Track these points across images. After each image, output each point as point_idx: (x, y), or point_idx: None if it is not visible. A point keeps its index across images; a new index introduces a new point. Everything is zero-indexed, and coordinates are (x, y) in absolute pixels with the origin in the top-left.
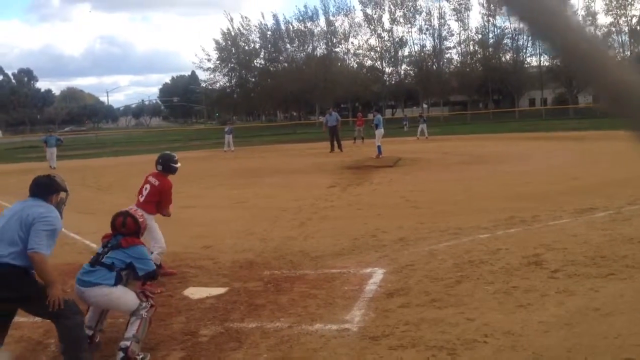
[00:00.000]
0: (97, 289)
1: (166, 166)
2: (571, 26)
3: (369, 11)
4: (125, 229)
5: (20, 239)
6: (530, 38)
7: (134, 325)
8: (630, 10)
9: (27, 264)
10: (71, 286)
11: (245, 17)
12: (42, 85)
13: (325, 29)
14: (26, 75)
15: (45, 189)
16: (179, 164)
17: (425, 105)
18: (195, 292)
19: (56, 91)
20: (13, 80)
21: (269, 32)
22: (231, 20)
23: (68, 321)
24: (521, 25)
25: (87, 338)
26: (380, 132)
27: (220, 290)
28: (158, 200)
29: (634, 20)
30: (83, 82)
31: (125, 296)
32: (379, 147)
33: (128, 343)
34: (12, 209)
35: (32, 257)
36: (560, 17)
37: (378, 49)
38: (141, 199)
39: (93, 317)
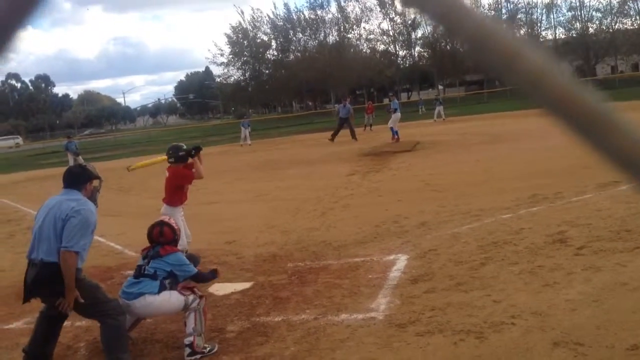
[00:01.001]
0: (142, 300)
1: (177, 156)
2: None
3: None
4: (163, 238)
5: (56, 237)
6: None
7: (190, 320)
8: None
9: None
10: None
11: (257, 9)
12: (59, 90)
13: (336, 15)
14: (43, 81)
15: (78, 178)
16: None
17: (440, 87)
18: (220, 289)
19: (73, 95)
20: (31, 87)
21: (281, 22)
22: (242, 13)
23: (113, 321)
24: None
25: (129, 339)
26: (397, 116)
27: (245, 285)
28: (177, 188)
29: None
30: (99, 85)
31: (170, 299)
32: (393, 129)
33: (191, 338)
34: (47, 205)
35: (62, 254)
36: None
37: (391, 32)
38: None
39: (128, 321)
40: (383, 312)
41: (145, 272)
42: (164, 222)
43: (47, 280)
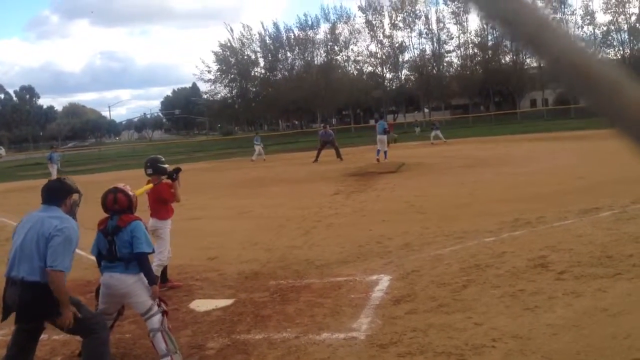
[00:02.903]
0: (124, 276)
1: (155, 167)
2: (560, 36)
3: (369, 17)
4: (118, 206)
5: (39, 256)
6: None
7: (159, 342)
8: (629, 8)
9: (46, 280)
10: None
11: (247, 26)
12: (43, 102)
13: (325, 36)
14: (28, 93)
15: (57, 193)
16: (167, 165)
17: (426, 110)
18: (201, 305)
19: (58, 107)
20: (15, 98)
21: (270, 41)
22: (231, 31)
23: (96, 337)
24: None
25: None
26: (381, 137)
27: (227, 302)
28: (161, 202)
29: (633, 17)
30: (84, 98)
31: (142, 289)
32: (378, 151)
33: (169, 358)
34: (27, 221)
35: (49, 274)
36: (549, 28)
37: (379, 55)
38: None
39: None
40: (365, 332)
41: (120, 256)
42: (118, 189)
43: (32, 303)
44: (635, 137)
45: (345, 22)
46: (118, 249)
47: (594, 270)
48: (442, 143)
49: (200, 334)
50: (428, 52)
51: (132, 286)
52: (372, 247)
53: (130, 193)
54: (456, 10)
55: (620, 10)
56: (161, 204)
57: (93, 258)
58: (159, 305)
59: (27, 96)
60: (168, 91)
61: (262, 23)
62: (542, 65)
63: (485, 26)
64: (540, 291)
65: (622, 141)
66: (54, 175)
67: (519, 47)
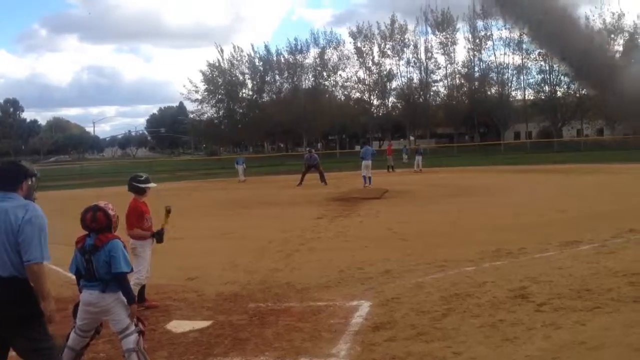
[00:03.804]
0: (103, 295)
1: (130, 186)
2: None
3: (358, 44)
4: (96, 224)
5: (12, 249)
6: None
7: None
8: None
9: (23, 274)
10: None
11: (238, 47)
12: (27, 115)
13: (314, 61)
14: (12, 106)
15: (13, 177)
16: (147, 184)
17: (412, 138)
18: (178, 326)
19: (42, 121)
20: None
21: (260, 63)
22: (221, 51)
23: None
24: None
25: None
26: (367, 163)
27: (204, 324)
28: (139, 220)
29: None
30: (69, 113)
31: (121, 307)
32: (364, 177)
33: None
34: None
35: (30, 269)
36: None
37: (367, 81)
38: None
39: (68, 358)
40: (343, 358)
41: (98, 276)
42: (98, 207)
43: (7, 301)
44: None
45: (335, 48)
46: (96, 269)
47: (574, 303)
48: (418, 171)
49: (176, 355)
50: (415, 80)
51: (110, 304)
52: (353, 273)
53: (111, 212)
54: (444, 40)
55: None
56: (138, 223)
57: (68, 275)
58: (136, 325)
59: (11, 109)
60: (154, 109)
61: (252, 45)
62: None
63: (472, 57)
64: (519, 322)
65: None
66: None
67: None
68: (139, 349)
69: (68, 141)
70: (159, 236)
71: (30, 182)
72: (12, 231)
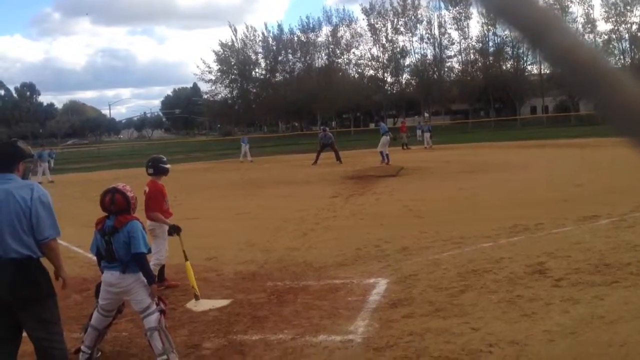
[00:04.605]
0: (124, 276)
1: (157, 167)
2: (567, 35)
3: (372, 21)
4: (115, 207)
5: (24, 231)
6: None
7: (156, 341)
8: (630, 17)
9: (37, 254)
10: (74, 300)
11: (251, 27)
12: (44, 99)
13: (327, 39)
14: (28, 90)
15: (10, 158)
16: (168, 165)
17: (426, 114)
18: (198, 305)
19: (58, 105)
20: (15, 95)
21: (273, 43)
22: (235, 31)
23: (57, 344)
24: (514, 35)
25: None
26: (385, 139)
27: (224, 302)
28: (158, 203)
29: (634, 27)
30: (85, 96)
31: (144, 290)
32: (382, 153)
33: (165, 357)
34: None
35: (48, 246)
36: (556, 27)
37: (380, 58)
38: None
39: (92, 338)
40: (361, 335)
41: (118, 257)
42: (117, 189)
43: (25, 282)
44: (635, 133)
45: (347, 26)
46: (115, 250)
47: (592, 277)
48: (428, 148)
49: (196, 334)
50: (429, 56)
51: (131, 285)
52: (369, 251)
53: (130, 194)
54: (457, 15)
55: (622, 19)
56: (156, 206)
57: (89, 256)
58: (157, 304)
59: (28, 93)
60: (169, 90)
61: (265, 24)
62: (544, 64)
63: (486, 32)
64: (537, 297)
65: (622, 138)
66: (39, 175)
67: (524, 45)
68: (161, 328)
69: (85, 124)
70: (175, 230)
71: (26, 164)
72: (24, 213)
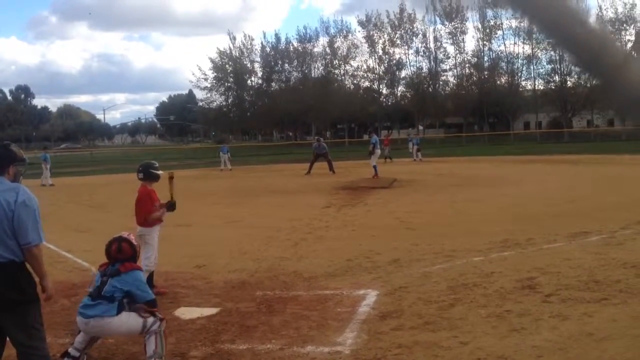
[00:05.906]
0: (100, 320)
1: (146, 173)
2: (581, 21)
3: (369, 32)
4: (122, 255)
5: (6, 234)
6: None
7: (150, 344)
8: (624, 36)
9: (21, 258)
10: (61, 305)
11: (249, 35)
12: (38, 102)
13: (324, 50)
14: (23, 92)
15: (0, 160)
16: (160, 171)
17: (420, 127)
18: (186, 313)
19: (52, 108)
20: (9, 97)
21: (271, 52)
22: (233, 39)
23: (39, 351)
24: (530, 25)
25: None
26: (377, 152)
27: (212, 311)
28: (148, 209)
29: (629, 45)
30: (79, 100)
31: (128, 322)
32: (374, 167)
33: None
34: None
35: (30, 251)
36: (571, 15)
37: (376, 70)
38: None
39: (83, 341)
40: (349, 347)
41: (104, 293)
42: (123, 238)
43: (7, 286)
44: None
45: (345, 37)
46: (108, 286)
47: (581, 294)
48: (418, 161)
49: (183, 342)
50: (424, 69)
51: (115, 326)
52: (360, 262)
53: (135, 242)
54: (453, 30)
55: (616, 37)
56: (147, 212)
57: (78, 260)
58: (155, 316)
59: (22, 96)
60: (164, 97)
61: (263, 33)
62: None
63: (482, 47)
64: (526, 313)
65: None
66: (48, 177)
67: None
68: (159, 332)
69: (78, 128)
70: (171, 206)
71: (17, 167)
72: (7, 216)
